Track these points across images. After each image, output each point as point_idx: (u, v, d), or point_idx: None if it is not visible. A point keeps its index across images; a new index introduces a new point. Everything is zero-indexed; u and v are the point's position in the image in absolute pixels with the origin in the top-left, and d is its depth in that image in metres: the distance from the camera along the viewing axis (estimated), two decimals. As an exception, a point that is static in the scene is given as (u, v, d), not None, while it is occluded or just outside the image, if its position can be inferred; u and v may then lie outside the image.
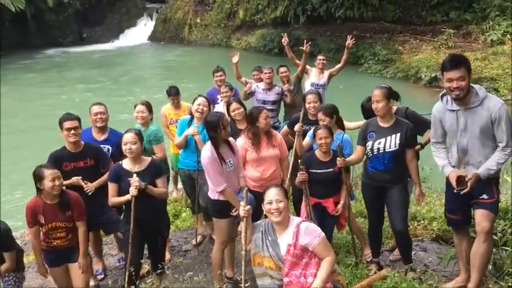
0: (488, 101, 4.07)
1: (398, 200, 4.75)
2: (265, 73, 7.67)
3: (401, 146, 4.65)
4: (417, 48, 21.23)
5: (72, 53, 31.01)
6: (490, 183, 4.22)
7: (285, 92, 7.66)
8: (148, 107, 5.99)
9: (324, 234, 3.72)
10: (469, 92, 4.05)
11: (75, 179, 5.00)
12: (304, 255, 3.65)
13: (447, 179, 4.43)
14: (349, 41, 8.73)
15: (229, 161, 4.76)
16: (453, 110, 4.18)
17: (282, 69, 8.05)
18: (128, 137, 4.64)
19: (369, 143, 4.80)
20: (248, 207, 3.78)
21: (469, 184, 4.11)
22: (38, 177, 4.37)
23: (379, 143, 4.72)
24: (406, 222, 4.89)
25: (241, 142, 5.15)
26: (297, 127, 5.27)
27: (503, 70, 16.35)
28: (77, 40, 35.63)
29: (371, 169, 4.90)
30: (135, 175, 4.50)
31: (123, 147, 4.63)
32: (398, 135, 4.64)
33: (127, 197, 4.51)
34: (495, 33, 19.29)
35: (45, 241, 4.56)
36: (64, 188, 4.57)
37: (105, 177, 5.08)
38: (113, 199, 4.64)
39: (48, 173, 4.34)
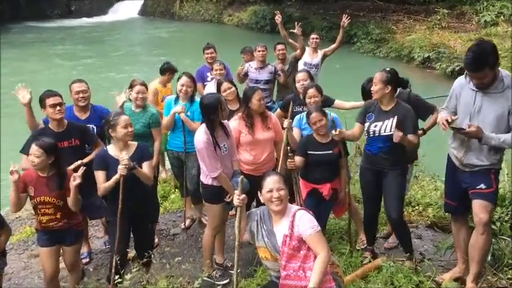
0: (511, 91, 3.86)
1: (393, 187, 4.58)
2: (259, 51, 7.40)
3: (404, 132, 4.44)
4: (410, 28, 21.11)
5: (60, 27, 30.43)
6: (488, 172, 4.05)
7: (278, 71, 7.43)
8: (146, 86, 5.70)
9: (319, 228, 3.51)
10: (493, 80, 3.84)
11: (76, 165, 4.73)
12: (302, 247, 3.44)
13: (448, 159, 4.31)
14: (345, 20, 8.52)
15: (224, 145, 4.55)
16: (473, 90, 3.97)
17: (279, 47, 7.85)
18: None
19: (366, 124, 4.65)
20: (243, 196, 3.55)
21: (466, 130, 3.90)
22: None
23: (375, 126, 4.55)
24: (401, 210, 4.73)
25: (235, 124, 4.93)
26: (285, 123, 4.95)
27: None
28: (65, 13, 35.04)
29: (367, 151, 4.77)
30: (124, 152, 4.25)
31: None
32: (395, 119, 4.45)
33: (115, 177, 4.23)
34: (489, 14, 19.20)
35: (38, 220, 4.38)
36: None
37: (93, 155, 4.87)
38: (102, 185, 4.32)
39: (31, 149, 4.18)
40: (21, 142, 4.81)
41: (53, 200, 4.29)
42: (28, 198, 4.35)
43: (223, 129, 4.61)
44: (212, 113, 4.44)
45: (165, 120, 5.64)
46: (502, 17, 18.84)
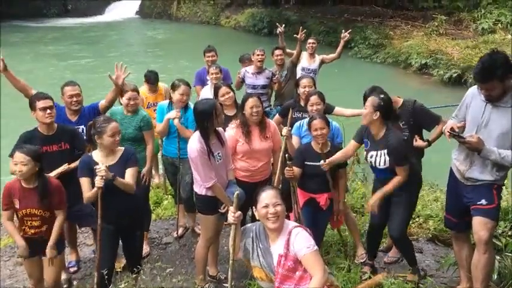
0: None
1: (401, 207, 4.42)
2: (258, 55, 7.26)
3: (391, 164, 4.29)
4: (408, 34, 21.04)
5: (56, 26, 30.17)
6: (491, 187, 3.88)
7: (274, 79, 7.28)
8: (138, 91, 5.52)
9: (316, 247, 3.31)
10: (503, 94, 3.69)
11: (63, 168, 4.60)
12: (298, 268, 3.23)
13: (450, 172, 4.17)
14: (345, 34, 8.42)
15: (218, 154, 4.34)
16: (483, 101, 3.81)
17: (277, 52, 7.72)
18: None
19: (365, 152, 4.53)
20: (238, 213, 3.35)
21: (466, 139, 3.74)
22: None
23: (371, 157, 4.41)
24: (404, 229, 4.53)
25: (231, 132, 4.73)
26: (284, 131, 4.80)
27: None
28: (61, 12, 34.86)
29: (375, 174, 4.64)
30: (100, 163, 4.02)
31: None
32: (386, 151, 4.29)
33: (94, 189, 4.01)
34: (486, 22, 19.17)
35: (21, 229, 4.19)
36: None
37: None
38: (87, 194, 4.10)
39: (15, 156, 3.99)
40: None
41: (40, 212, 4.12)
42: None
43: (218, 136, 4.39)
44: (206, 119, 4.21)
45: (160, 126, 5.43)
46: (499, 24, 18.82)
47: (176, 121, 5.21)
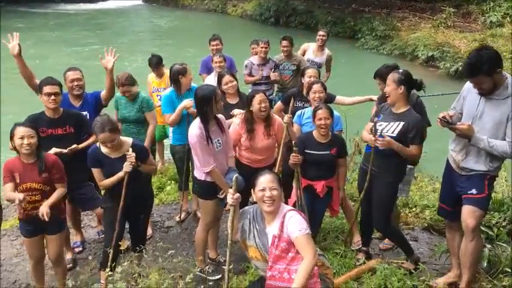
0: None
1: (381, 196, 4.51)
2: (262, 47, 7.37)
3: (399, 136, 4.34)
4: (415, 26, 20.91)
5: (61, 12, 30.22)
6: (483, 178, 4.01)
7: (272, 74, 7.36)
8: (132, 80, 5.64)
9: (308, 231, 3.40)
10: (494, 88, 3.80)
11: (74, 147, 4.76)
12: (291, 249, 3.35)
13: (447, 162, 4.28)
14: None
15: (218, 140, 4.45)
16: (478, 94, 3.93)
17: (284, 43, 7.67)
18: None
19: (375, 121, 4.56)
20: (237, 195, 3.46)
21: (457, 126, 3.87)
22: (10, 134, 4.19)
23: (380, 125, 4.45)
24: (385, 220, 4.60)
25: (236, 126, 4.88)
26: (285, 119, 4.90)
27: (501, 53, 16.10)
28: (68, -3, 34.86)
29: (366, 149, 4.74)
30: (130, 149, 4.23)
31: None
32: (401, 124, 4.36)
33: (120, 174, 4.22)
34: (495, 15, 18.99)
35: (20, 206, 4.25)
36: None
37: (90, 140, 4.84)
38: (105, 182, 4.30)
39: (19, 130, 4.12)
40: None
41: (40, 186, 4.24)
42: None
43: (218, 123, 4.50)
44: (206, 104, 4.31)
45: (172, 117, 5.42)
46: (508, 18, 18.67)
47: (191, 110, 5.22)
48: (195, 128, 4.33)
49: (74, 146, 4.79)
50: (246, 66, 7.48)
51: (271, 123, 4.90)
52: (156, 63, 7.03)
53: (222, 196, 4.47)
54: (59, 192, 4.34)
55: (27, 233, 4.41)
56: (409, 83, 4.40)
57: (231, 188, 3.55)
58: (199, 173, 4.51)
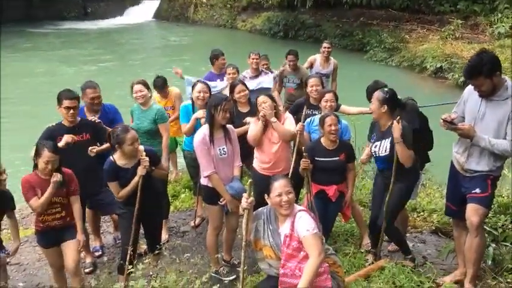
0: None
1: (392, 197, 4.66)
2: (252, 59, 7.41)
3: (392, 151, 4.53)
4: (424, 38, 21.04)
5: (75, 29, 30.68)
6: (486, 178, 4.19)
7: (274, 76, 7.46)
8: (146, 84, 5.86)
9: (316, 231, 3.58)
10: (494, 90, 3.99)
11: (69, 138, 4.87)
12: (302, 248, 3.54)
13: (451, 164, 4.44)
14: None
15: (222, 148, 4.64)
16: (479, 97, 4.12)
17: (290, 57, 7.79)
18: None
19: (371, 144, 4.85)
20: (251, 199, 3.64)
21: (458, 126, 4.09)
22: (36, 152, 4.37)
23: (375, 147, 4.73)
24: (389, 219, 4.75)
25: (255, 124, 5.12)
26: (298, 127, 5.09)
27: (510, 63, 16.20)
28: (81, 15, 35.32)
29: (377, 166, 4.97)
30: (144, 153, 4.45)
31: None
32: (389, 140, 4.57)
33: (135, 179, 4.43)
34: (503, 26, 19.07)
35: (41, 220, 4.49)
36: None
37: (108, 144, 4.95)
38: (122, 192, 4.50)
39: (46, 155, 4.28)
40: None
41: (60, 200, 4.47)
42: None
43: (225, 132, 4.70)
44: (213, 108, 4.56)
45: (187, 126, 5.64)
46: (516, 28, 18.78)
47: (203, 120, 5.33)
48: (199, 133, 4.61)
49: (95, 147, 4.98)
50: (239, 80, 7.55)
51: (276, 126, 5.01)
52: (161, 85, 7.09)
53: (222, 203, 4.67)
54: (77, 207, 4.58)
55: (45, 243, 4.62)
56: (393, 103, 4.62)
57: (231, 195, 3.88)
58: (203, 179, 4.74)
